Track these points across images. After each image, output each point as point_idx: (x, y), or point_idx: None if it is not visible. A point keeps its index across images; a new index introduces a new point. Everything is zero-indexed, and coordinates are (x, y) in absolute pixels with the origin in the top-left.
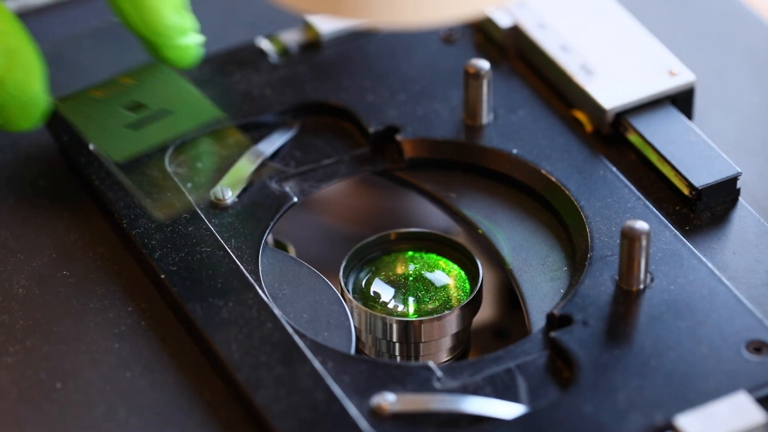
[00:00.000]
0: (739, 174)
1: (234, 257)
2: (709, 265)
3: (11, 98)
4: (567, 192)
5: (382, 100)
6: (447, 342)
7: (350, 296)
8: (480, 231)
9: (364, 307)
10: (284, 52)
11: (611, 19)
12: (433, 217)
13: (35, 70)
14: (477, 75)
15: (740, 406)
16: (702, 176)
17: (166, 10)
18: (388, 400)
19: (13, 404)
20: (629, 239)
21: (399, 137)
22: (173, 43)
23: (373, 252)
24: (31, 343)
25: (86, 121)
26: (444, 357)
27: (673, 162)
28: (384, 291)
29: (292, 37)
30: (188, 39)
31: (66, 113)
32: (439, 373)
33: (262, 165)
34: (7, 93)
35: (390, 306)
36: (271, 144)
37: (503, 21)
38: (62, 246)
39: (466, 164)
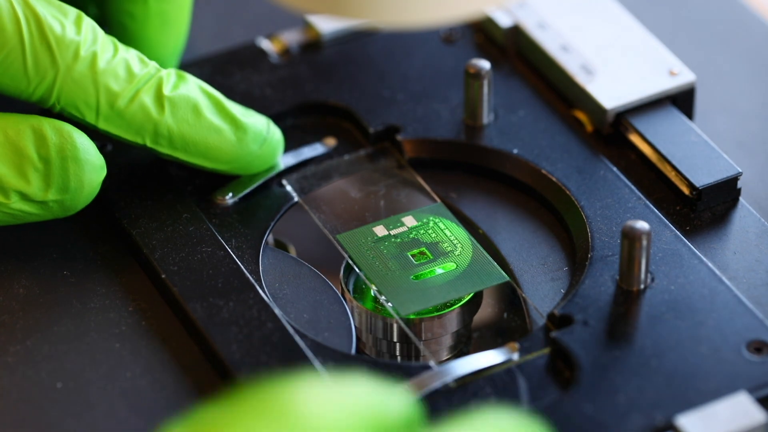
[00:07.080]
0: (740, 174)
1: (234, 257)
2: (710, 265)
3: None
4: (567, 192)
5: (382, 100)
6: (447, 341)
7: (351, 296)
8: (480, 231)
9: (364, 307)
10: (284, 52)
11: (611, 19)
12: None
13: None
14: (477, 75)
15: (741, 407)
16: (702, 176)
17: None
18: None
19: (13, 404)
20: (630, 239)
21: (399, 137)
22: (256, 153)
23: None
24: (32, 343)
25: (361, 257)
26: (444, 356)
27: (674, 162)
28: None
29: (292, 37)
30: (267, 143)
31: (346, 246)
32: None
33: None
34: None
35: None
36: (295, 157)
37: (503, 21)
38: (62, 246)
39: (467, 164)
